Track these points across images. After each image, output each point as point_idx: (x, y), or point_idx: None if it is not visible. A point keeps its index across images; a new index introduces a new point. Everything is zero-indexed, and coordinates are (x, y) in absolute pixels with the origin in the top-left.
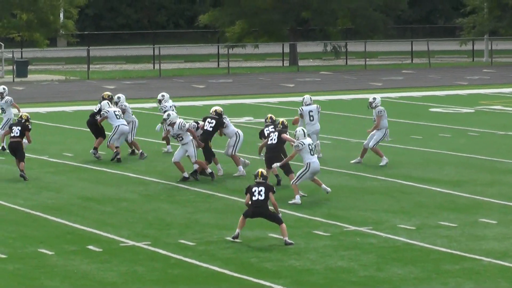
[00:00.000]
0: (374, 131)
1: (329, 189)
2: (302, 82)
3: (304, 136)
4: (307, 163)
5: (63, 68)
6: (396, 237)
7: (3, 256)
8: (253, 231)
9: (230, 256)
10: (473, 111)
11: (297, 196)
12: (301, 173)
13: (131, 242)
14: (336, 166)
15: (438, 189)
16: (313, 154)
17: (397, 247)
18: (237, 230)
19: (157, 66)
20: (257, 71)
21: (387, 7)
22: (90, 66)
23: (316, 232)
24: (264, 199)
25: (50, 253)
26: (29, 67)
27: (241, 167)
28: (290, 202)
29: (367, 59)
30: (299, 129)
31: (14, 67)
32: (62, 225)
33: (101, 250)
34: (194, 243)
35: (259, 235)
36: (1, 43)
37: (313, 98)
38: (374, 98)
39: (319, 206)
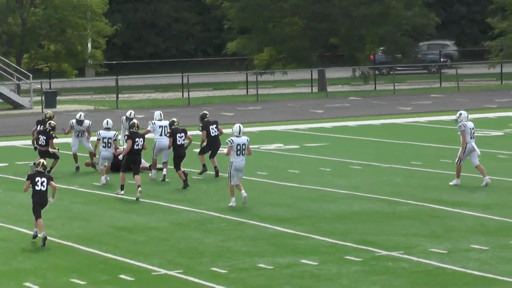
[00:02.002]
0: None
1: (245, 194)
2: (331, 108)
3: (239, 133)
4: (230, 162)
5: (92, 98)
6: (428, 261)
7: (35, 286)
8: (284, 257)
9: (262, 283)
10: (502, 134)
11: (233, 198)
12: (228, 172)
13: (163, 271)
14: (366, 192)
15: (469, 213)
16: (239, 155)
17: (429, 271)
18: (35, 229)
19: (186, 95)
20: (286, 98)
21: (415, 32)
22: (119, 95)
23: (348, 257)
24: (46, 190)
25: (82, 282)
26: (58, 97)
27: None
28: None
29: (396, 84)
30: (236, 125)
31: (43, 98)
32: (93, 255)
33: (133, 279)
34: (226, 270)
35: (291, 261)
36: (30, 74)
37: (343, 123)
38: (460, 114)
39: (351, 232)
